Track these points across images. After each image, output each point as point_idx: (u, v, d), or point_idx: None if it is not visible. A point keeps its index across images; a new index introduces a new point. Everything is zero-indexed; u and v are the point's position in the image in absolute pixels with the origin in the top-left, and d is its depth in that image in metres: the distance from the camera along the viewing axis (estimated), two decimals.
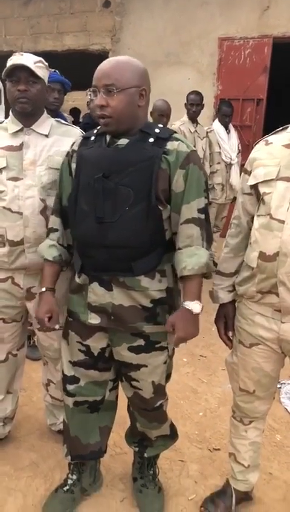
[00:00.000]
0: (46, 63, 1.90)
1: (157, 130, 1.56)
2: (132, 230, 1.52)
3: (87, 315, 1.66)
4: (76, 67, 6.91)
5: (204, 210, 1.57)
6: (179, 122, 4.46)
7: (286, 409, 2.69)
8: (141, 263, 1.57)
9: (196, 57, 5.90)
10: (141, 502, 1.93)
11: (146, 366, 1.70)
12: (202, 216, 1.56)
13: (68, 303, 1.78)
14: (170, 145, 1.53)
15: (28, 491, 2.00)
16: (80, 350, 1.74)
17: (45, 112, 1.99)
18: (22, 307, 2.03)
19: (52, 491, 1.94)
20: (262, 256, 1.55)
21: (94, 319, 1.65)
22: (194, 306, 1.53)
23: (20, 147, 1.89)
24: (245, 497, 1.97)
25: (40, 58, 1.87)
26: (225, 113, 4.66)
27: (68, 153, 1.72)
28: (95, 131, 1.65)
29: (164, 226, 1.57)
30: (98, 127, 1.66)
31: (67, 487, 1.92)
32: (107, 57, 6.49)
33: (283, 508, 1.98)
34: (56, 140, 1.93)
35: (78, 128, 2.09)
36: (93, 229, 1.56)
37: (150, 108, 3.88)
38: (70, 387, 1.80)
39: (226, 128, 4.74)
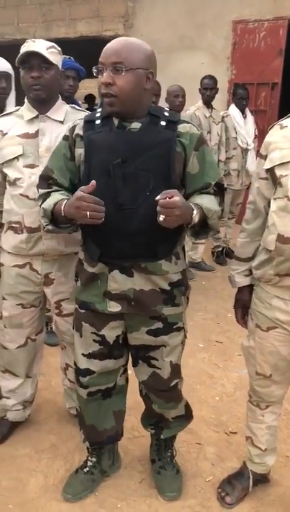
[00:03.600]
0: (59, 48, 1.90)
1: (166, 114, 1.57)
2: (154, 215, 1.49)
3: (106, 304, 1.65)
4: (88, 54, 6.87)
5: (219, 186, 1.62)
6: (193, 107, 4.42)
7: None
8: (163, 247, 1.59)
9: (210, 41, 5.82)
10: (159, 483, 1.96)
11: (165, 346, 1.73)
12: (217, 191, 1.62)
13: (78, 294, 1.76)
14: (182, 128, 1.55)
15: (49, 472, 2.05)
16: (94, 340, 1.74)
17: (60, 98, 1.99)
18: (40, 292, 2.06)
19: (73, 472, 1.98)
20: (280, 238, 1.54)
21: (114, 307, 1.64)
22: (195, 214, 1.47)
23: (36, 134, 1.90)
24: (262, 479, 1.99)
25: (53, 44, 1.86)
26: (241, 96, 4.59)
27: (68, 137, 1.64)
28: (98, 114, 1.60)
29: None
30: (99, 110, 1.62)
31: (87, 469, 1.96)
32: None
33: None
34: None
35: None
36: (113, 216, 1.50)
37: (164, 94, 3.90)
38: (84, 379, 1.80)
39: (243, 112, 4.69)
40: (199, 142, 1.57)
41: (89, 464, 1.97)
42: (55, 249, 1.96)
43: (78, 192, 1.44)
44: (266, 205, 1.68)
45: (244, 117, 4.72)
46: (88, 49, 6.76)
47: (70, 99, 3.00)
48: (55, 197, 1.59)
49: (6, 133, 1.93)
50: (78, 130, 1.61)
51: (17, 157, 1.89)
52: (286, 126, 1.62)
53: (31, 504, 1.88)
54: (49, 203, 1.59)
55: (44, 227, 1.66)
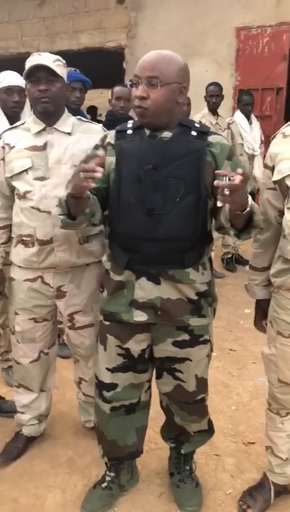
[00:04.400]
0: (64, 61, 1.90)
1: (197, 125, 1.60)
2: (183, 222, 1.53)
3: (132, 313, 1.63)
4: (90, 66, 6.94)
5: (251, 194, 1.59)
6: (199, 114, 4.42)
7: None
8: (191, 255, 1.59)
9: (213, 48, 5.83)
10: (179, 497, 1.92)
11: (190, 360, 1.71)
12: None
13: (103, 305, 1.74)
14: (213, 139, 1.57)
15: (66, 487, 2.02)
16: (118, 354, 1.72)
17: (66, 110, 1.99)
18: (52, 305, 2.05)
19: (91, 487, 1.95)
20: None
21: (140, 317, 1.63)
22: (250, 199, 1.40)
23: (44, 147, 1.90)
24: (284, 490, 1.95)
25: (58, 57, 1.88)
26: (247, 102, 4.60)
27: (98, 146, 1.67)
28: (130, 124, 1.63)
29: (208, 217, 1.59)
30: (131, 121, 1.64)
31: (106, 484, 1.92)
32: (123, 54, 6.49)
33: None
34: (79, 138, 1.94)
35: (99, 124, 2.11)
36: (142, 222, 1.54)
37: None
38: (107, 394, 1.77)
39: (248, 118, 4.68)
40: (231, 152, 1.58)
41: (107, 478, 1.94)
42: (68, 260, 1.95)
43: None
44: (277, 215, 1.68)
45: (250, 123, 4.72)
46: (92, 60, 6.84)
47: (77, 111, 3.00)
48: None
49: (13, 147, 1.93)
50: (110, 139, 1.64)
51: (26, 170, 1.89)
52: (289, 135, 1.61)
53: None
54: (64, 194, 1.59)
55: (60, 222, 1.62)
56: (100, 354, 1.78)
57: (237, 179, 1.26)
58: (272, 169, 1.63)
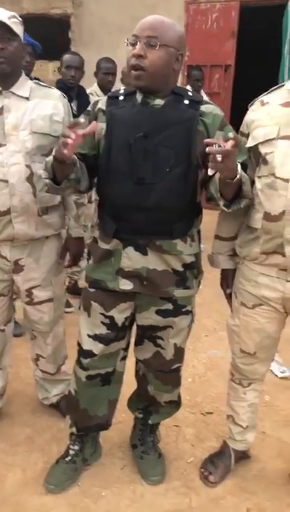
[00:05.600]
0: (20, 18, 1.78)
1: (190, 93, 1.57)
2: (173, 192, 1.51)
3: (118, 281, 1.62)
4: (34, 36, 6.62)
5: (243, 166, 1.56)
6: None
7: (272, 371, 2.74)
8: (179, 226, 1.57)
9: None
10: (142, 468, 1.94)
11: (172, 328, 1.71)
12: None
13: (89, 272, 1.72)
14: (205, 108, 1.54)
15: (26, 465, 1.97)
16: (102, 323, 1.70)
17: (23, 73, 1.88)
18: (9, 280, 1.96)
19: (53, 463, 1.92)
20: (267, 216, 1.54)
21: (126, 285, 1.62)
22: (240, 169, 1.42)
23: (0, 112, 1.78)
24: (243, 456, 2.02)
25: (14, 13, 1.74)
26: (197, 78, 4.60)
27: (89, 112, 1.63)
28: (122, 91, 1.60)
29: (197, 188, 1.57)
30: (123, 87, 1.60)
31: (69, 458, 1.90)
32: (68, 23, 6.23)
33: (279, 464, 2.04)
34: (37, 103, 1.84)
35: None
36: (131, 190, 1.51)
37: (119, 75, 3.77)
38: (84, 361, 1.76)
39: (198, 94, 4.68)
40: (223, 122, 1.56)
41: (71, 452, 1.91)
42: (26, 233, 1.86)
43: None
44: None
45: None
46: (34, 30, 6.53)
47: (28, 77, 2.84)
48: None
49: None
50: (101, 105, 1.60)
51: None
52: (267, 103, 1.61)
53: (12, 500, 1.80)
54: (50, 157, 1.55)
55: (45, 186, 1.61)
56: (83, 321, 1.76)
57: (229, 144, 1.26)
58: (248, 136, 1.62)
